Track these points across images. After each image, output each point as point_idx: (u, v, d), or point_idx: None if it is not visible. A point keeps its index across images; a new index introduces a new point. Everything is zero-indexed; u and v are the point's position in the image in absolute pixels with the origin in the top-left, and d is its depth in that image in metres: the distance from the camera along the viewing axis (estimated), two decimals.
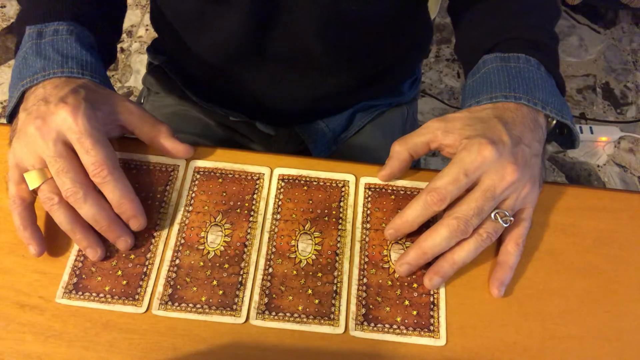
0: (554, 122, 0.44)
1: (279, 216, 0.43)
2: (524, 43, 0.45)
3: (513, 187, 0.39)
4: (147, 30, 1.55)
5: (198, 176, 0.45)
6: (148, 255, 0.41)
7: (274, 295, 0.40)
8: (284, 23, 0.49)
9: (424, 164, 1.25)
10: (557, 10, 0.51)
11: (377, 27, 0.53)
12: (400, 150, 0.42)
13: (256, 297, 0.40)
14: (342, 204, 0.44)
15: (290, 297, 0.40)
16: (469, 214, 0.37)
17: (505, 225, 0.39)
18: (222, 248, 0.42)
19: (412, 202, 0.39)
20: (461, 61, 0.53)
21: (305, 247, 0.42)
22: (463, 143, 0.39)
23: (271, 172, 0.45)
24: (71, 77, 0.42)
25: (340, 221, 0.43)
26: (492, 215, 0.38)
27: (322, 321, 0.39)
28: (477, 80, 0.45)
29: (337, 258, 0.41)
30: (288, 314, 0.39)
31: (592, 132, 1.34)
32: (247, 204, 0.44)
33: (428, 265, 0.40)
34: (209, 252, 0.42)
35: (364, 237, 0.42)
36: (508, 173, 0.38)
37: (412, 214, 0.39)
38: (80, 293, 0.40)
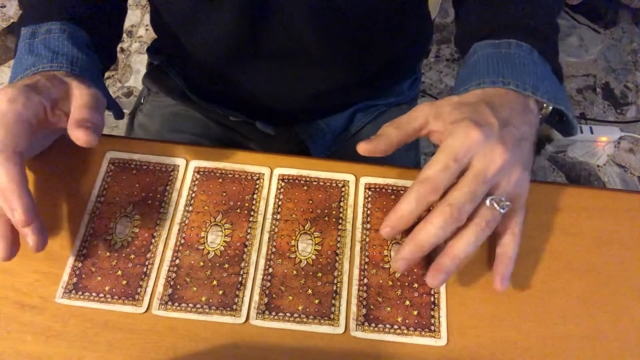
0: (550, 107, 0.42)
1: (279, 216, 0.43)
2: (516, 29, 0.44)
3: (504, 170, 0.37)
4: (147, 30, 1.55)
5: (198, 176, 0.45)
6: (148, 255, 0.41)
7: (274, 295, 0.40)
8: (277, 19, 0.49)
9: (424, 164, 1.24)
10: (558, 2, 0.51)
11: (372, 22, 0.53)
12: (392, 135, 0.40)
13: (256, 297, 0.40)
14: (342, 204, 0.44)
15: (290, 297, 0.40)
16: (462, 199, 0.36)
17: (502, 211, 0.37)
18: (222, 248, 0.42)
19: (404, 196, 0.37)
20: (459, 51, 0.53)
21: (305, 247, 0.42)
22: (449, 128, 0.38)
23: (271, 172, 0.45)
24: (60, 71, 0.42)
25: (340, 221, 0.43)
26: (488, 202, 0.37)
27: (322, 321, 0.39)
28: (466, 68, 0.45)
29: (337, 258, 0.41)
30: (288, 314, 0.39)
31: (592, 132, 1.35)
32: (247, 204, 0.44)
33: (428, 264, 0.40)
34: (209, 252, 0.42)
35: (364, 237, 0.42)
36: (497, 155, 0.37)
37: (407, 208, 0.37)
38: (80, 293, 0.40)
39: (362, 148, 0.40)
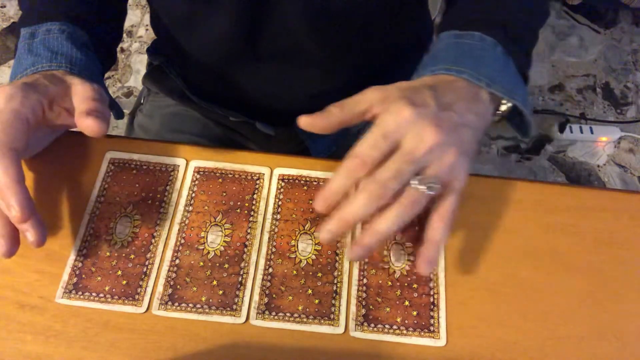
0: (510, 105, 0.42)
1: (279, 216, 0.43)
2: (486, 23, 0.44)
3: (435, 153, 0.37)
4: (147, 30, 1.55)
5: (198, 176, 0.45)
6: (148, 255, 0.41)
7: (274, 295, 0.40)
8: (274, 20, 0.49)
9: None
10: (543, 8, 0.50)
11: (369, 24, 0.53)
12: (335, 114, 0.40)
13: (256, 297, 0.40)
14: None
15: (290, 297, 0.40)
16: (386, 176, 0.36)
17: (429, 192, 0.36)
18: (222, 248, 0.42)
19: (336, 171, 0.38)
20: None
21: (305, 247, 0.42)
22: (384, 107, 0.38)
23: (271, 172, 0.45)
24: (59, 70, 0.42)
25: None
26: (414, 182, 0.36)
27: (322, 321, 0.39)
28: (428, 55, 0.44)
29: (337, 258, 0.41)
30: (288, 314, 0.39)
31: (592, 132, 1.34)
32: (247, 204, 0.44)
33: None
34: (209, 252, 0.42)
35: None
36: (428, 135, 0.36)
37: (337, 182, 0.37)
38: (80, 293, 0.40)
39: (302, 121, 0.40)
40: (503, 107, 0.42)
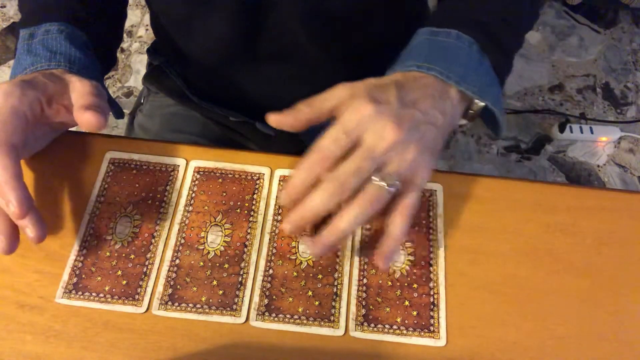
0: (482, 104, 0.42)
1: (279, 217, 0.43)
2: (464, 21, 0.44)
3: (395, 150, 0.37)
4: (147, 30, 1.55)
5: (198, 176, 0.45)
6: (148, 255, 0.41)
7: (274, 297, 0.40)
8: (272, 21, 0.49)
9: None
10: (532, 10, 0.50)
11: (367, 24, 0.53)
12: (303, 112, 0.40)
13: (256, 299, 0.40)
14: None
15: (291, 299, 0.40)
16: (345, 172, 0.36)
17: (390, 190, 0.36)
18: (222, 248, 0.42)
19: (298, 166, 0.38)
20: None
21: (306, 249, 0.42)
22: (348, 103, 0.38)
23: (271, 172, 0.45)
24: (58, 69, 0.42)
25: None
26: (374, 179, 0.37)
27: (322, 323, 0.39)
28: (404, 51, 0.44)
29: (338, 260, 0.41)
30: (288, 316, 0.39)
31: (592, 132, 1.34)
32: (247, 204, 0.44)
33: (428, 263, 0.40)
34: (209, 252, 0.42)
35: (364, 237, 0.42)
36: (387, 132, 0.36)
37: (298, 177, 0.38)
38: (80, 293, 0.40)
39: (271, 119, 0.41)
40: (475, 106, 0.42)
